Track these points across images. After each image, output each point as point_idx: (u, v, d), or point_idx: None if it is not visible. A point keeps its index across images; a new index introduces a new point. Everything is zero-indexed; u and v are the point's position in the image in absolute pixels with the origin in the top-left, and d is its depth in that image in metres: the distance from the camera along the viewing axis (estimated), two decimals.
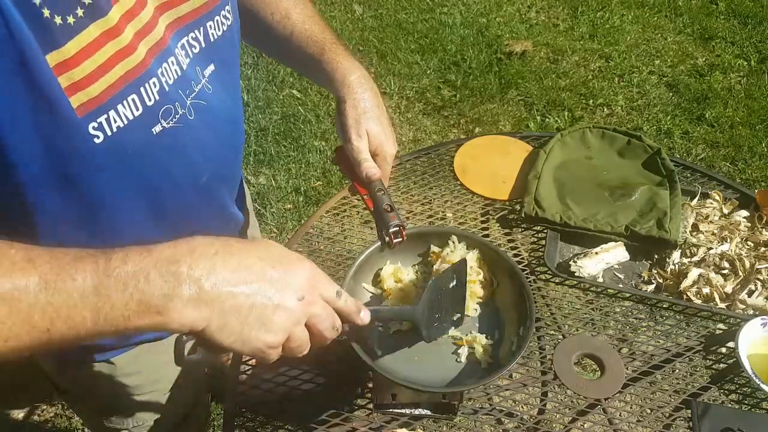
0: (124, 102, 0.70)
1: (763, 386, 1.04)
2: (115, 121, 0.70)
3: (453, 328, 1.03)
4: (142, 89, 0.72)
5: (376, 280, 1.13)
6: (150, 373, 1.09)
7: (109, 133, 0.70)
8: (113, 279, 0.58)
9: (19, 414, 2.01)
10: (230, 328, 0.63)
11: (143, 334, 0.62)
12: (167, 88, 0.76)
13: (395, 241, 0.96)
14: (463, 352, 1.04)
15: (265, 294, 0.65)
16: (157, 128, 0.76)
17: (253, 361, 1.06)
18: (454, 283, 1.00)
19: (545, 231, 1.32)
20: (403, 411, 1.01)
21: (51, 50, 0.62)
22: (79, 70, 0.65)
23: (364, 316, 0.78)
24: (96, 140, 0.69)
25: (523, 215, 1.33)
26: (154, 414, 1.15)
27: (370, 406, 1.04)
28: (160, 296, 0.59)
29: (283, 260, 0.68)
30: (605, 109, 3.20)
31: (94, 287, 0.57)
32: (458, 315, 1.01)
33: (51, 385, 1.12)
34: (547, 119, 3.09)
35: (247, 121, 2.98)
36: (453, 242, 1.13)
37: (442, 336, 1.02)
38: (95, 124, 0.68)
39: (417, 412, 1.01)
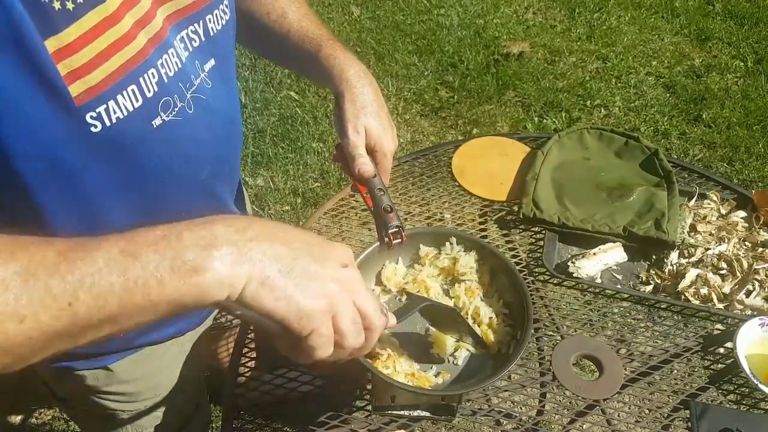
0: (124, 93, 0.70)
1: (761, 386, 1.04)
2: (115, 112, 0.69)
3: (471, 340, 1.04)
4: (141, 80, 0.72)
5: (378, 280, 1.13)
6: (148, 379, 1.09)
7: (108, 124, 0.69)
8: (141, 243, 0.53)
9: (16, 418, 2.00)
10: (272, 282, 0.55)
11: (177, 311, 0.54)
12: (166, 80, 0.76)
13: (395, 242, 0.96)
14: (461, 354, 1.04)
15: (307, 250, 0.59)
16: (158, 121, 0.75)
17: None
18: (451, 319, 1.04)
19: (543, 232, 1.32)
20: (402, 413, 1.01)
21: (50, 36, 0.61)
22: (78, 57, 0.64)
23: (391, 318, 0.73)
24: (93, 129, 0.68)
25: (521, 216, 1.33)
26: (154, 420, 1.15)
27: (369, 407, 1.04)
28: (196, 249, 0.53)
29: (320, 237, 0.64)
30: (603, 110, 3.20)
31: (120, 250, 0.52)
32: (474, 339, 1.04)
33: (49, 392, 1.12)
34: (544, 120, 3.10)
35: (245, 122, 2.98)
36: (451, 244, 1.13)
37: (460, 332, 1.03)
38: (93, 114, 0.67)
39: (416, 413, 1.01)
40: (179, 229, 0.55)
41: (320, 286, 0.58)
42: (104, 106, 0.68)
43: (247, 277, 0.55)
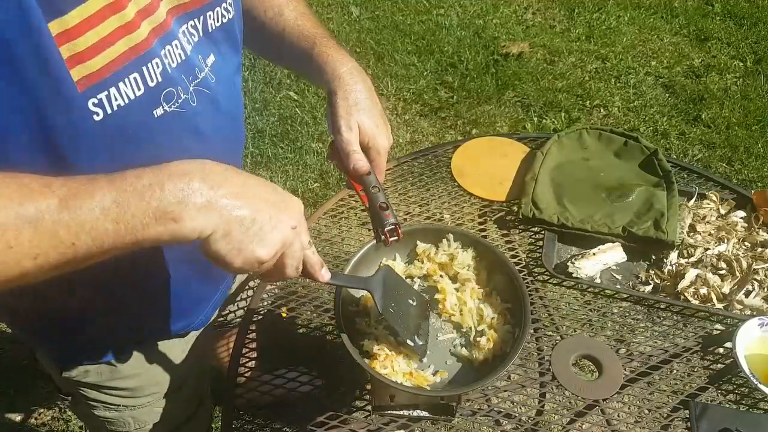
0: (126, 80, 0.70)
1: (760, 386, 1.04)
2: (116, 99, 0.70)
3: (414, 343, 1.00)
4: (144, 69, 0.72)
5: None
6: (150, 375, 1.09)
7: (109, 111, 0.70)
8: (130, 192, 0.62)
9: (17, 417, 2.00)
10: (232, 236, 0.67)
11: (153, 245, 0.65)
12: (170, 71, 0.76)
13: (391, 239, 0.96)
14: (461, 353, 1.04)
15: (267, 212, 0.70)
16: (159, 111, 0.76)
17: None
18: (414, 304, 1.03)
19: (543, 232, 1.33)
20: (401, 413, 1.01)
21: (54, 18, 0.62)
22: (82, 41, 0.65)
23: (325, 274, 0.85)
24: (95, 117, 0.69)
25: (520, 216, 1.33)
26: (155, 416, 1.15)
27: (369, 407, 1.04)
28: (175, 203, 0.63)
29: (280, 191, 0.74)
30: (602, 110, 3.20)
31: (113, 200, 0.61)
32: (423, 342, 1.02)
33: (54, 386, 1.12)
34: (544, 120, 3.10)
35: (245, 122, 2.97)
36: (448, 240, 1.13)
37: (396, 331, 1.00)
38: (95, 100, 0.68)
39: (415, 413, 1.01)
40: (162, 179, 0.64)
41: (268, 243, 0.70)
42: (105, 92, 0.69)
43: (213, 228, 0.66)
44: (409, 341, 1.00)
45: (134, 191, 0.62)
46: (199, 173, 0.66)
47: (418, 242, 1.15)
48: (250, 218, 0.68)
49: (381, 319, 1.01)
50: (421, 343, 1.02)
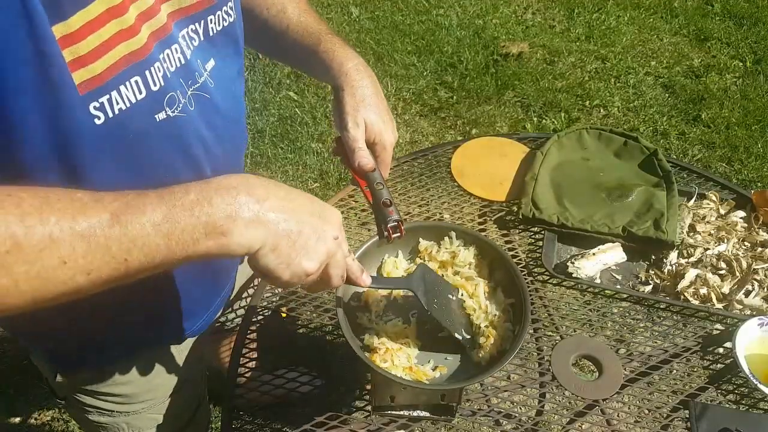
0: (127, 84, 0.70)
1: (760, 386, 1.04)
2: (117, 103, 0.70)
3: (462, 337, 1.01)
4: (147, 72, 0.72)
5: (379, 273, 1.13)
6: (145, 381, 1.09)
7: (111, 115, 0.70)
8: (179, 207, 0.62)
9: (16, 417, 2.00)
10: (280, 250, 0.68)
11: (204, 260, 0.66)
12: (169, 75, 0.76)
13: (394, 235, 0.96)
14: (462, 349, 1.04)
15: (311, 224, 0.71)
16: (161, 115, 0.76)
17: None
18: (454, 299, 1.04)
19: (542, 232, 1.33)
20: (401, 413, 1.01)
21: (57, 21, 0.62)
22: (84, 45, 0.65)
23: (366, 279, 0.87)
24: (96, 120, 0.69)
25: (520, 216, 1.33)
26: (152, 422, 1.14)
27: (369, 407, 1.04)
28: (224, 217, 0.64)
29: (319, 201, 0.75)
30: (602, 111, 3.20)
31: (163, 216, 0.61)
32: (466, 335, 1.02)
33: (50, 389, 1.12)
34: (543, 120, 3.10)
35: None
36: (450, 238, 1.13)
37: (444, 327, 1.00)
38: (96, 104, 0.68)
39: (415, 413, 1.01)
40: (209, 194, 0.64)
41: (314, 256, 0.72)
42: (107, 96, 0.69)
43: (262, 243, 0.67)
44: (457, 335, 1.01)
45: (183, 206, 0.62)
46: (245, 187, 0.66)
47: (421, 239, 1.15)
48: (296, 231, 0.69)
49: (428, 316, 1.00)
50: (468, 336, 1.03)
